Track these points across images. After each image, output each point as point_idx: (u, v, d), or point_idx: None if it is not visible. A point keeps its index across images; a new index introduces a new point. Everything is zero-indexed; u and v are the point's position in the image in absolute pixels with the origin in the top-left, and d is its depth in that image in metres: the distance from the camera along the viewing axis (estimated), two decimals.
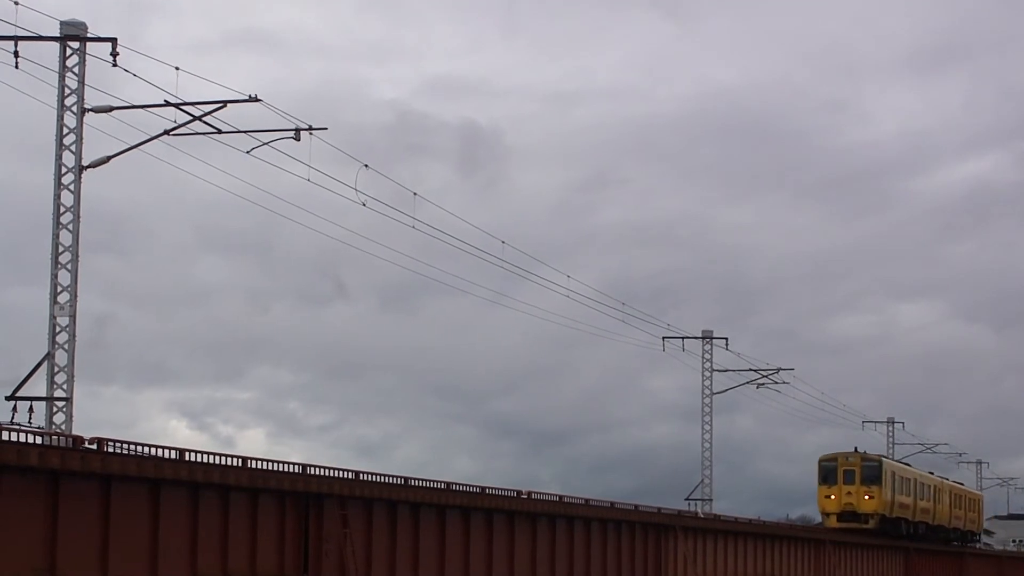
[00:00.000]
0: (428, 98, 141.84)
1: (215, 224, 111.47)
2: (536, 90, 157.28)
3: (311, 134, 36.93)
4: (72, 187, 36.17)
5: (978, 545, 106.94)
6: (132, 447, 26.04)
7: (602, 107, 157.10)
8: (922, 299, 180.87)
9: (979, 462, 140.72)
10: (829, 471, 74.05)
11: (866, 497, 72.87)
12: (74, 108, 36.30)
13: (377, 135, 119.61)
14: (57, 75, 36.10)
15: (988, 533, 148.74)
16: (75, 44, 36.19)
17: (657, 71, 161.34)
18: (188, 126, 36.49)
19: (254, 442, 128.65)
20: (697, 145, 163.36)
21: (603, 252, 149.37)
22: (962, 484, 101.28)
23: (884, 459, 77.51)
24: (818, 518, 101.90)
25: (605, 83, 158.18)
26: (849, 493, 72.94)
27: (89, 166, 36.34)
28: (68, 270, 35.86)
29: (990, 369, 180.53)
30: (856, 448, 76.09)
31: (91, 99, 36.41)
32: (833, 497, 73.29)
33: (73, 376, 35.72)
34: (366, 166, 38.47)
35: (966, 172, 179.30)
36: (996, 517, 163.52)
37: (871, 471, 73.96)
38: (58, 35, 36.14)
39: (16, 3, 32.74)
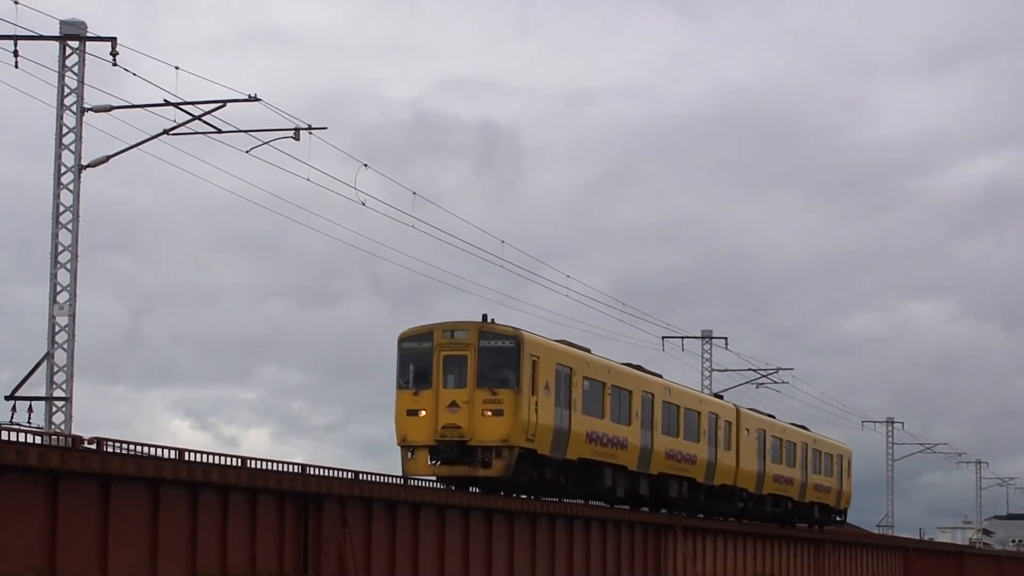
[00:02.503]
0: (443, 97, 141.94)
1: (224, 224, 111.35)
2: (550, 89, 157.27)
3: (311, 134, 36.94)
4: (72, 187, 36.19)
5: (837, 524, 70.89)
6: (131, 447, 26.04)
7: (616, 106, 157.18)
8: (932, 298, 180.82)
9: (978, 462, 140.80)
10: (416, 359, 37.12)
11: (487, 413, 36.39)
12: (73, 108, 36.30)
13: (393, 134, 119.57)
14: (57, 75, 36.11)
15: (987, 533, 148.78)
16: (75, 44, 36.20)
17: (671, 70, 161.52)
18: (188, 126, 36.51)
19: (258, 442, 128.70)
20: (710, 143, 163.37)
21: (615, 251, 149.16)
22: (804, 428, 64.77)
23: (530, 336, 37.84)
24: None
25: (619, 82, 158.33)
26: (454, 404, 36.52)
27: (88, 165, 36.35)
28: (68, 270, 35.88)
29: (998, 369, 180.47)
30: (486, 317, 37.76)
31: (91, 99, 36.45)
32: (424, 413, 36.60)
33: (72, 376, 35.75)
34: (365, 166, 38.30)
35: (979, 170, 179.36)
36: (996, 517, 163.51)
37: (499, 358, 36.84)
38: (58, 34, 36.16)
39: (16, 3, 32.74)
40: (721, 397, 61.38)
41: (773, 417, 60.84)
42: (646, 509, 45.88)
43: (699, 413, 49.67)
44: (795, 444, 60.76)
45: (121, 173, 37.17)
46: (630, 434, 42.92)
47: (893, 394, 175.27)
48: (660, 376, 47.18)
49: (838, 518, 69.79)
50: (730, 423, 52.96)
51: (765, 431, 57.20)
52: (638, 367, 45.62)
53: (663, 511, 47.35)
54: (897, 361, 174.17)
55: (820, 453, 64.96)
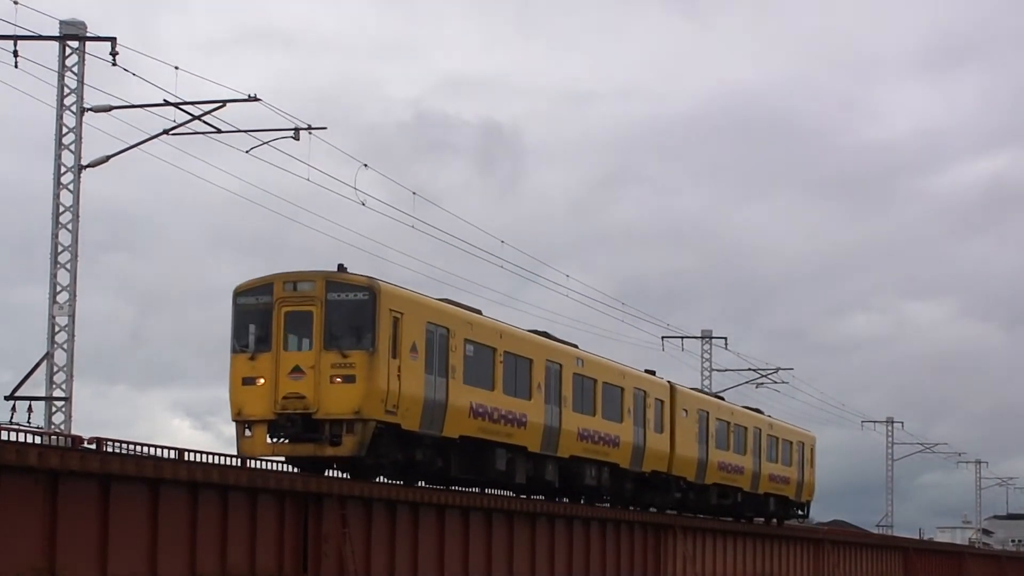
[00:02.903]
0: (445, 96, 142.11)
1: (224, 224, 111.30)
2: (551, 89, 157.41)
3: (311, 134, 36.93)
4: (72, 186, 36.18)
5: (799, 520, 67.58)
6: (131, 447, 26.04)
7: (616, 106, 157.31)
8: (933, 298, 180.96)
9: (978, 462, 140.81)
10: (253, 317, 31.09)
11: (336, 379, 30.31)
12: (73, 108, 36.30)
13: (395, 134, 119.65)
14: (57, 75, 36.11)
15: (987, 533, 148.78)
16: (74, 44, 36.20)
17: (671, 70, 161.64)
18: (187, 126, 36.50)
19: None
20: (711, 143, 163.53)
21: (616, 250, 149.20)
22: (758, 411, 59.10)
23: (390, 287, 31.56)
24: (818, 517, 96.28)
25: (620, 81, 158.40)
26: (297, 370, 30.44)
27: (88, 165, 36.35)
28: (68, 270, 35.87)
29: (999, 368, 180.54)
30: (342, 266, 31.64)
31: (91, 99, 36.45)
32: (262, 381, 30.51)
33: (72, 376, 35.75)
34: (365, 166, 38.26)
35: (980, 170, 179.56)
36: (996, 517, 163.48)
37: (351, 314, 30.73)
38: (57, 34, 36.15)
39: (16, 3, 32.75)
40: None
41: (721, 399, 55.81)
42: (565, 499, 40.55)
43: (622, 389, 42.99)
44: (746, 429, 54.40)
45: (121, 173, 37.20)
46: (530, 410, 36.64)
47: (893, 394, 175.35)
48: (576, 347, 40.93)
49: (799, 512, 63.35)
50: (663, 402, 46.43)
51: (708, 413, 50.73)
52: (544, 333, 39.59)
53: (582, 502, 41.78)
54: (897, 361, 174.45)
55: (777, 440, 58.22)
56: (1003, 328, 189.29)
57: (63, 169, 36.25)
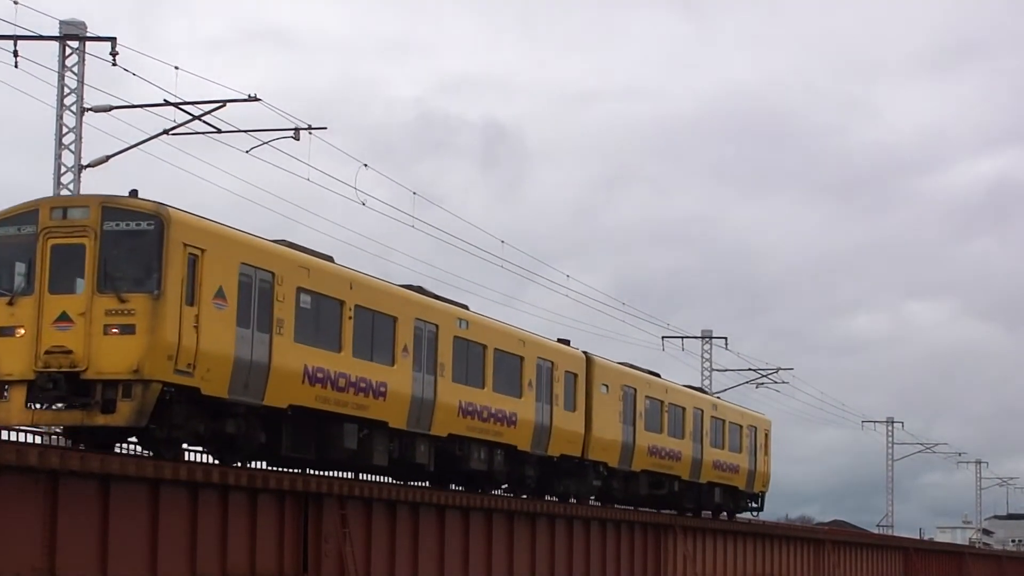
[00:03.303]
0: (448, 96, 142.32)
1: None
2: (554, 88, 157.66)
3: (311, 134, 36.94)
4: (72, 187, 36.18)
5: (754, 516, 58.68)
6: (131, 447, 26.04)
7: (618, 105, 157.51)
8: (934, 298, 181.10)
9: (978, 462, 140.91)
10: (11, 252, 25.33)
11: (112, 330, 24.49)
12: (73, 108, 36.32)
13: (398, 133, 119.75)
14: (57, 75, 36.13)
15: (987, 533, 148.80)
16: (74, 44, 36.22)
17: (673, 70, 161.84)
18: (187, 126, 36.51)
19: None
20: (713, 143, 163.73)
21: (618, 250, 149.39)
22: (701, 391, 54.42)
23: (184, 216, 25.55)
24: (818, 517, 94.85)
25: (621, 82, 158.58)
26: (64, 318, 24.65)
27: (88, 165, 36.37)
28: None
29: (999, 368, 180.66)
30: (136, 192, 25.76)
31: (91, 99, 36.47)
32: (22, 332, 24.70)
33: None
34: (365, 166, 38.20)
35: (982, 170, 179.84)
36: (996, 517, 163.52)
37: (132, 248, 24.96)
38: (57, 34, 36.17)
39: (16, 3, 32.75)
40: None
41: (657, 376, 47.47)
42: (462, 489, 35.58)
43: (521, 359, 37.08)
44: (683, 409, 47.95)
45: (121, 173, 37.03)
46: (393, 377, 30.94)
47: (893, 394, 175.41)
48: (466, 307, 35.24)
49: (753, 504, 56.58)
50: (575, 375, 40.26)
51: (635, 390, 44.08)
52: (419, 288, 33.95)
53: (525, 496, 38.14)
54: (897, 361, 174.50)
55: (724, 423, 51.85)
56: (1004, 328, 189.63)
57: (63, 169, 36.26)
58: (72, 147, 36.27)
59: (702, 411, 49.89)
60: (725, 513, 54.22)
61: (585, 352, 41.63)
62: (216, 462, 27.26)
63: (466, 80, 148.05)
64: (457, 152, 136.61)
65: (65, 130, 36.30)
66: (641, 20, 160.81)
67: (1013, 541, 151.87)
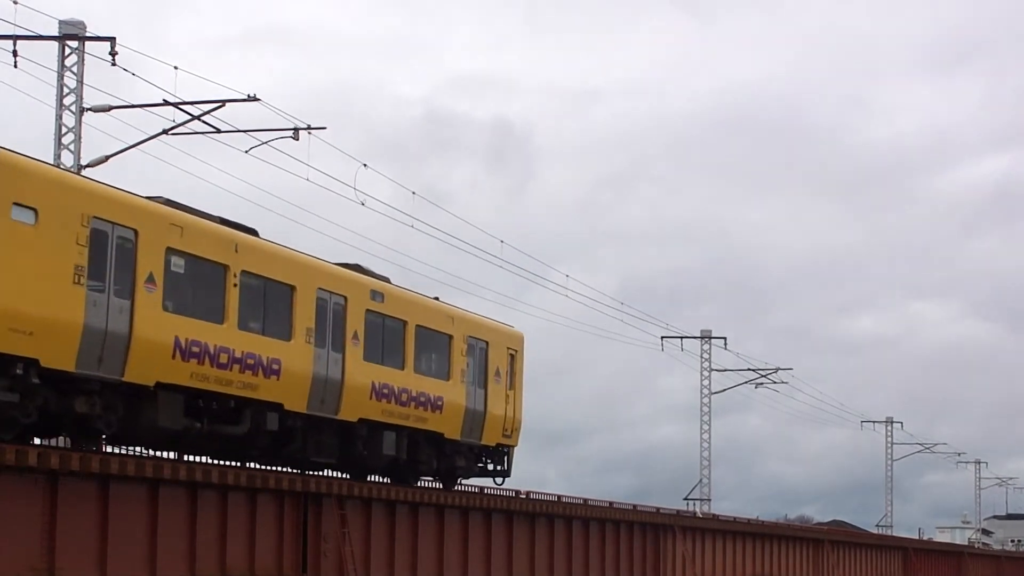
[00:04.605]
0: (454, 95, 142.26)
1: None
2: (558, 88, 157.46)
3: (310, 134, 36.94)
4: None
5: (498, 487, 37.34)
6: (131, 447, 26.04)
7: (622, 105, 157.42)
8: (938, 298, 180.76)
9: (977, 462, 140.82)
10: None
11: None
12: (73, 108, 36.31)
13: (404, 132, 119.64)
14: (56, 75, 36.12)
15: (987, 533, 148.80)
16: (74, 43, 36.21)
17: (677, 69, 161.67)
18: (187, 126, 36.51)
19: None
20: (717, 141, 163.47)
21: (622, 249, 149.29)
22: (364, 271, 31.61)
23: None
24: (818, 517, 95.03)
25: (626, 80, 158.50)
26: None
27: (88, 165, 36.36)
28: None
29: (998, 369, 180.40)
30: None
31: (90, 99, 36.46)
32: None
33: None
34: (365, 165, 38.17)
35: (986, 170, 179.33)
36: (995, 517, 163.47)
37: None
38: (57, 34, 36.16)
39: (15, 3, 32.74)
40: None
41: (254, 234, 27.81)
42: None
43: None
44: (293, 288, 28.50)
45: (121, 173, 37.03)
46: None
47: (893, 394, 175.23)
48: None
49: (494, 467, 36.67)
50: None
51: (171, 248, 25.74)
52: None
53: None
54: (897, 361, 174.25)
55: (405, 325, 32.13)
56: (1006, 328, 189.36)
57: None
58: (71, 147, 36.27)
59: (345, 298, 30.10)
60: (431, 479, 35.17)
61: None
62: (214, 461, 27.27)
63: (473, 79, 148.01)
64: (464, 151, 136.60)
65: (64, 130, 36.29)
66: (647, 18, 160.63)
67: (1012, 541, 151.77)
